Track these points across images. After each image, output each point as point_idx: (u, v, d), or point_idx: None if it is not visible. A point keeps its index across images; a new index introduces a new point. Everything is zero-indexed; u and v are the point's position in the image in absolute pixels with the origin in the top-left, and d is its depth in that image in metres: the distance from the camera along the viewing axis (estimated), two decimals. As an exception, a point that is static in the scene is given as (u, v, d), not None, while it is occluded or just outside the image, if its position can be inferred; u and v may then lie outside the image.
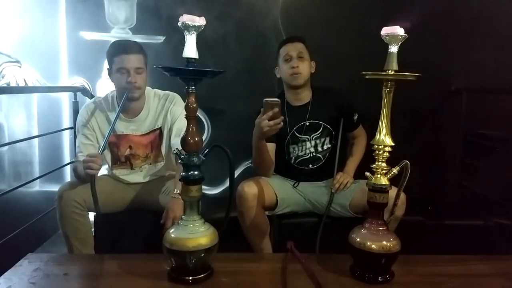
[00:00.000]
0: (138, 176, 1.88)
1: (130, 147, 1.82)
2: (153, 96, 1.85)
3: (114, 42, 1.77)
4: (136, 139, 1.82)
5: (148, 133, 1.83)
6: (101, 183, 1.78)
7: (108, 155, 1.83)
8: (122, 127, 1.80)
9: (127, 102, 1.72)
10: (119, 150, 1.83)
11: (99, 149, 1.64)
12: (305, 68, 1.78)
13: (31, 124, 2.50)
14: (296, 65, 1.75)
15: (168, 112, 1.82)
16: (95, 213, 1.79)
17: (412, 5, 2.22)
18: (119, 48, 1.69)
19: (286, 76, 1.80)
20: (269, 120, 1.46)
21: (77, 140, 1.80)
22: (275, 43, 2.12)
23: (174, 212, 1.52)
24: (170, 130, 1.81)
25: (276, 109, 1.45)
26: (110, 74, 1.75)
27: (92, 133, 1.77)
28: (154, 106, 1.83)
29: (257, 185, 1.64)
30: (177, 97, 1.85)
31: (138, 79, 1.69)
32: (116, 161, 1.85)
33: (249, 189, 1.60)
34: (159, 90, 1.89)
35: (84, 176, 1.56)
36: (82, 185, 1.63)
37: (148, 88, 1.88)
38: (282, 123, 1.48)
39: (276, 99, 1.47)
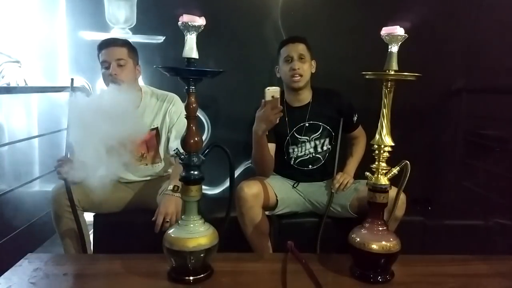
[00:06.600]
0: (134, 176, 1.85)
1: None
2: (150, 94, 1.83)
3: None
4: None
5: None
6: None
7: None
8: None
9: None
10: None
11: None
12: (306, 69, 1.77)
13: (31, 124, 2.50)
14: (297, 67, 1.73)
15: (166, 113, 1.80)
16: (94, 214, 1.80)
17: (412, 5, 2.21)
18: (102, 43, 1.69)
19: (286, 77, 1.78)
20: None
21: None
22: (275, 43, 2.12)
23: (165, 208, 1.49)
24: (169, 131, 1.80)
25: (277, 96, 1.44)
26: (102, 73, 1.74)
27: None
28: (151, 105, 1.81)
29: (257, 185, 1.63)
30: (176, 98, 1.83)
31: (119, 71, 1.66)
32: None
33: (249, 189, 1.59)
34: (157, 89, 1.87)
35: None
36: (76, 185, 1.62)
37: (145, 86, 1.87)
38: (281, 113, 1.47)
39: (276, 87, 1.46)
